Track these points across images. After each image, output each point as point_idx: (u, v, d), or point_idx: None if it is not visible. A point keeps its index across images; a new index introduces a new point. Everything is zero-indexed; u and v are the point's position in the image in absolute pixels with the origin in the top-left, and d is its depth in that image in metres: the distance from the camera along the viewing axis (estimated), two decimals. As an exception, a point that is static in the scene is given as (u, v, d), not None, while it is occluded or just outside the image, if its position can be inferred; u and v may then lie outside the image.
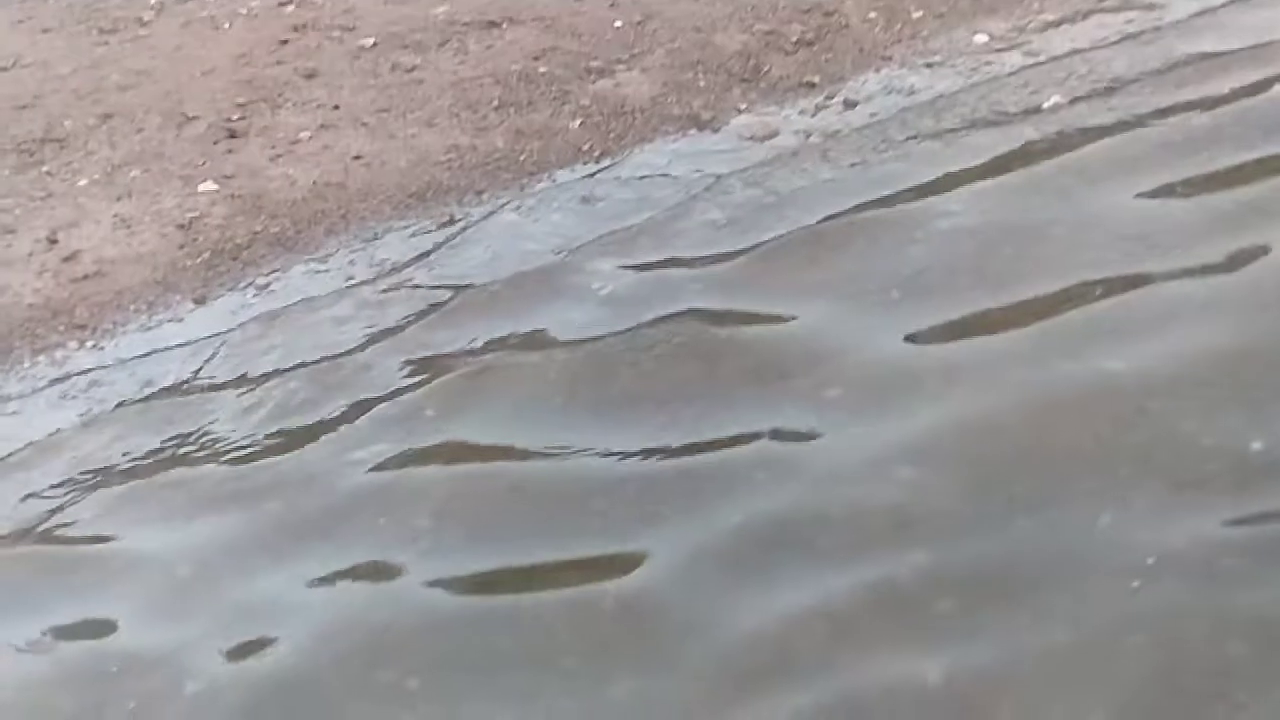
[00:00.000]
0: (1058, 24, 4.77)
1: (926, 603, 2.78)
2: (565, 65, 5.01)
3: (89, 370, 3.95)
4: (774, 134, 4.49)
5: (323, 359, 3.82)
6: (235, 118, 4.98)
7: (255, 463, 3.48)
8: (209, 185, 4.64)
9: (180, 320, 4.10)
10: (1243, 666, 2.59)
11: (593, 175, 4.44)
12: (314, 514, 3.27)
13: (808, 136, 4.45)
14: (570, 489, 3.19)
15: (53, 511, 3.47)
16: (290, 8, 5.64)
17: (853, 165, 4.24)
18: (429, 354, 3.74)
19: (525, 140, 4.64)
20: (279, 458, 3.47)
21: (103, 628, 3.12)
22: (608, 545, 3.03)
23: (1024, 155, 4.10)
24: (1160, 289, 3.46)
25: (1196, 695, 2.56)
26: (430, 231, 4.30)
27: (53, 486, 3.55)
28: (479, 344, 3.73)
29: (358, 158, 4.68)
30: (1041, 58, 4.61)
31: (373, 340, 3.85)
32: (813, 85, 4.71)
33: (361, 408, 3.58)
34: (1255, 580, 2.71)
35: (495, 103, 4.86)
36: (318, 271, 4.21)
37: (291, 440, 3.53)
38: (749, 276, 3.81)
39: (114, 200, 4.64)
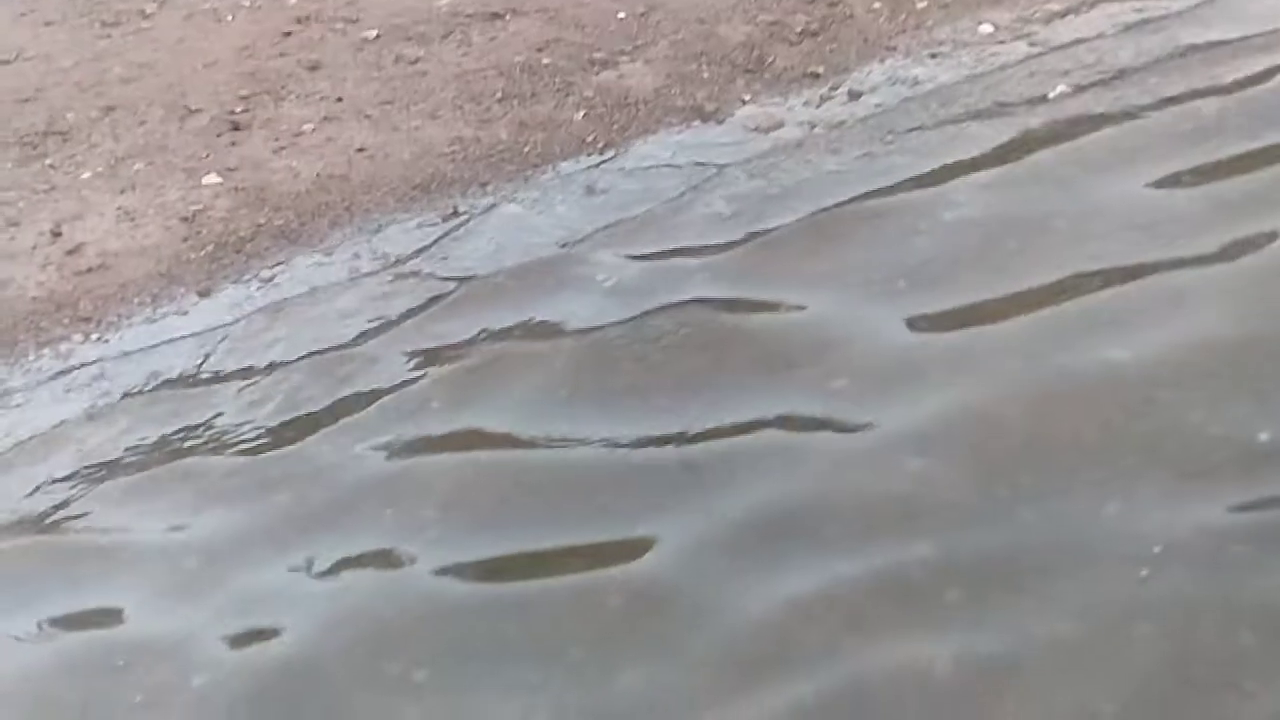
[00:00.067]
0: (1063, 14, 4.76)
1: (933, 592, 2.78)
2: (569, 57, 5.00)
3: (93, 363, 3.95)
4: (778, 125, 4.48)
5: (327, 351, 3.82)
6: (238, 110, 4.97)
7: (261, 455, 3.48)
8: (212, 178, 4.63)
9: (184, 313, 4.10)
10: (1252, 655, 2.58)
11: (597, 167, 4.43)
12: (320, 505, 3.27)
13: (812, 127, 4.44)
14: (576, 480, 3.19)
15: (58, 504, 3.47)
16: (293, 0, 5.63)
17: (857, 156, 4.23)
18: (434, 345, 3.74)
19: (529, 132, 4.63)
20: (285, 449, 3.47)
21: (109, 620, 3.13)
22: (614, 535, 3.03)
23: (1029, 145, 4.09)
24: (1166, 278, 3.44)
25: (1205, 685, 2.56)
26: (434, 223, 4.29)
27: (58, 479, 3.55)
28: (484, 335, 3.73)
29: (361, 150, 4.67)
30: (1046, 47, 4.59)
31: (377, 332, 3.85)
32: (817, 76, 4.70)
33: (367, 399, 3.58)
34: (1264, 569, 2.71)
35: (499, 95, 4.85)
36: (322, 264, 4.20)
37: (297, 432, 3.52)
38: (754, 267, 3.81)
39: (117, 193, 4.63)
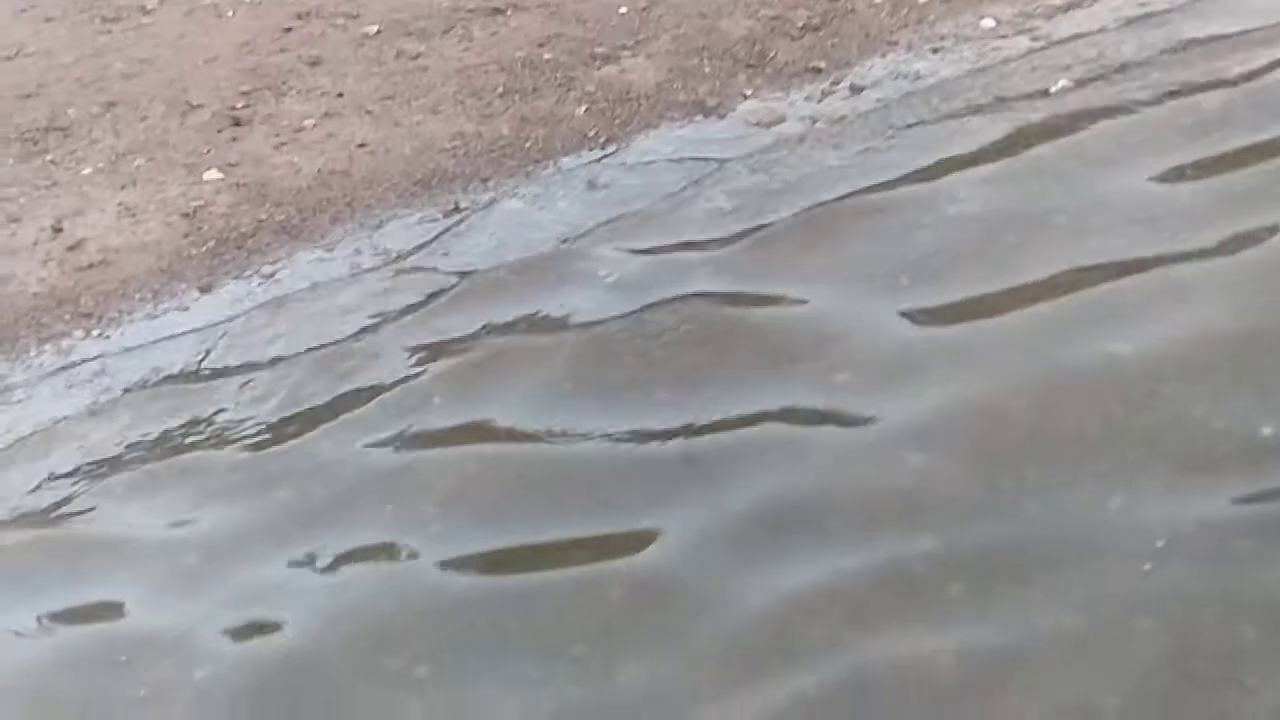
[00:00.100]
0: (1064, 8, 4.75)
1: (936, 586, 2.78)
2: (570, 52, 4.99)
3: (94, 359, 3.95)
4: (780, 120, 4.47)
5: (329, 346, 3.81)
6: (239, 106, 4.97)
7: (262, 450, 3.48)
8: (214, 173, 4.63)
9: (186, 309, 4.10)
10: (1254, 650, 2.58)
11: (598, 162, 4.42)
12: (322, 501, 3.27)
13: (814, 122, 4.43)
14: (578, 474, 3.19)
15: (59, 499, 3.47)
16: (294, -5, 5.63)
17: (859, 151, 4.23)
18: (436, 341, 3.74)
19: (530, 127, 4.62)
20: (286, 445, 3.47)
21: (111, 616, 3.13)
22: (616, 530, 3.03)
23: (1031, 140, 4.08)
24: (1168, 273, 3.44)
25: (1208, 679, 2.56)
26: (436, 219, 4.29)
27: (59, 475, 3.55)
28: (486, 330, 3.73)
29: (362, 145, 4.67)
30: (1048, 42, 4.58)
31: (379, 327, 3.85)
32: (819, 71, 4.69)
33: (368, 395, 3.58)
34: (1266, 563, 2.71)
35: (500, 90, 4.85)
36: (323, 259, 4.20)
37: (298, 428, 3.52)
38: (755, 262, 3.80)
39: (118, 189, 4.63)
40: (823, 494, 3.01)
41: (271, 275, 4.17)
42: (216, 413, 3.66)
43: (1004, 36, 4.67)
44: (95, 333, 4.05)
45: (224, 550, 3.20)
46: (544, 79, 4.86)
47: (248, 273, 4.19)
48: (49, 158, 4.85)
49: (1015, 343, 3.31)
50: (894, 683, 2.64)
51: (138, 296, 4.16)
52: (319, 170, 4.57)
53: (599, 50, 4.98)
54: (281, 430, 3.53)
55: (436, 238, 4.19)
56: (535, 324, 3.71)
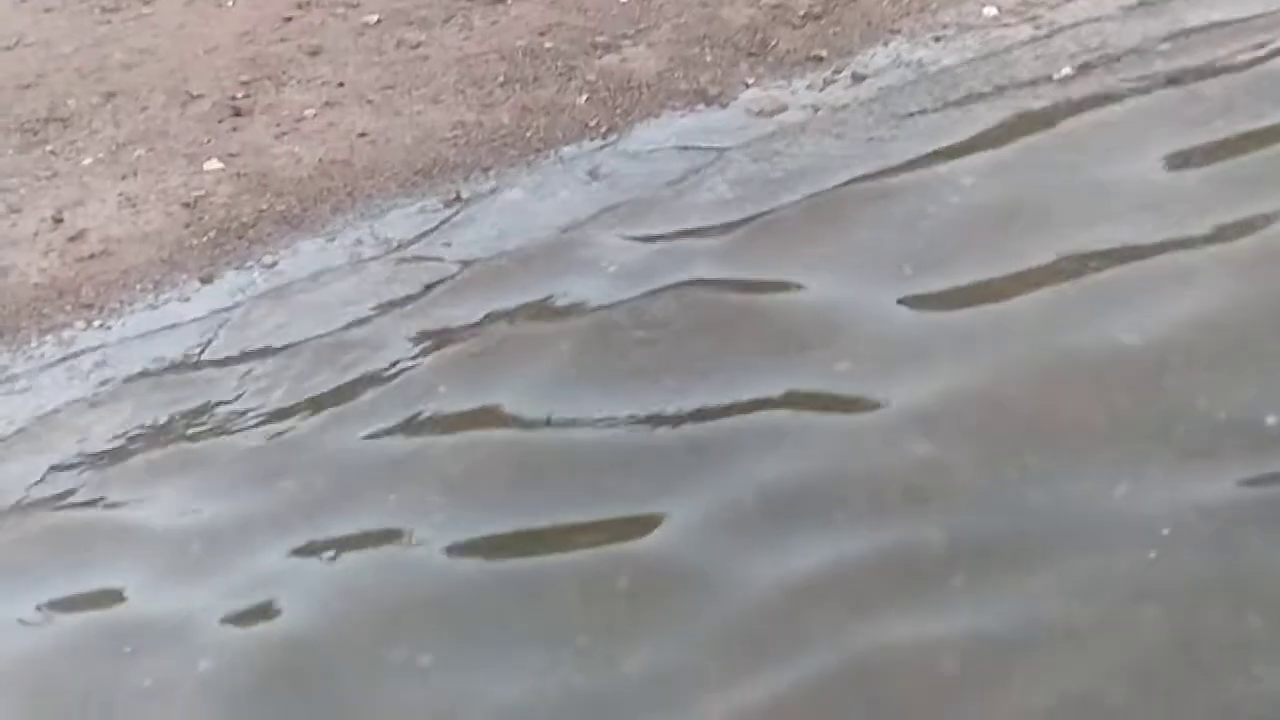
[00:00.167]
0: (1067, -5, 4.74)
1: (941, 575, 2.77)
2: (571, 41, 4.98)
3: (96, 349, 3.95)
4: (782, 108, 4.46)
5: (330, 336, 3.81)
6: (240, 96, 4.96)
7: (264, 441, 3.47)
8: (214, 164, 4.62)
9: (187, 299, 4.09)
10: (1260, 639, 2.57)
11: (599, 151, 4.41)
12: (325, 491, 3.27)
13: (816, 111, 4.42)
14: (582, 464, 3.18)
15: (61, 490, 3.47)
16: (293, -15, 5.62)
17: (861, 139, 4.21)
18: (438, 331, 3.73)
19: (531, 116, 4.61)
20: (288, 435, 3.46)
21: (115, 607, 3.12)
22: (621, 520, 3.02)
23: (1035, 127, 4.06)
24: (1174, 259, 3.43)
25: (1213, 668, 2.55)
26: (437, 209, 4.28)
27: (60, 465, 3.55)
28: (488, 320, 3.72)
29: (363, 135, 4.66)
30: (1051, 29, 4.56)
31: (381, 317, 3.84)
32: (821, 59, 4.68)
33: (371, 384, 3.58)
34: (1272, 552, 2.70)
35: (501, 79, 4.83)
36: (324, 249, 4.19)
37: (301, 417, 3.52)
38: (758, 249, 3.79)
39: (119, 179, 4.62)
40: (827, 481, 3.00)
41: (273, 265, 4.16)
42: (218, 403, 3.65)
43: (1006, 24, 4.65)
44: (96, 323, 4.05)
45: (227, 540, 3.20)
46: (545, 68, 4.85)
47: (249, 263, 4.19)
48: (49, 148, 4.84)
49: (1019, 330, 3.30)
50: (897, 672, 2.64)
51: (139, 287, 4.15)
52: (320, 160, 4.56)
53: (600, 39, 4.96)
54: (284, 420, 3.52)
55: (438, 227, 4.18)
56: (538, 312, 3.70)
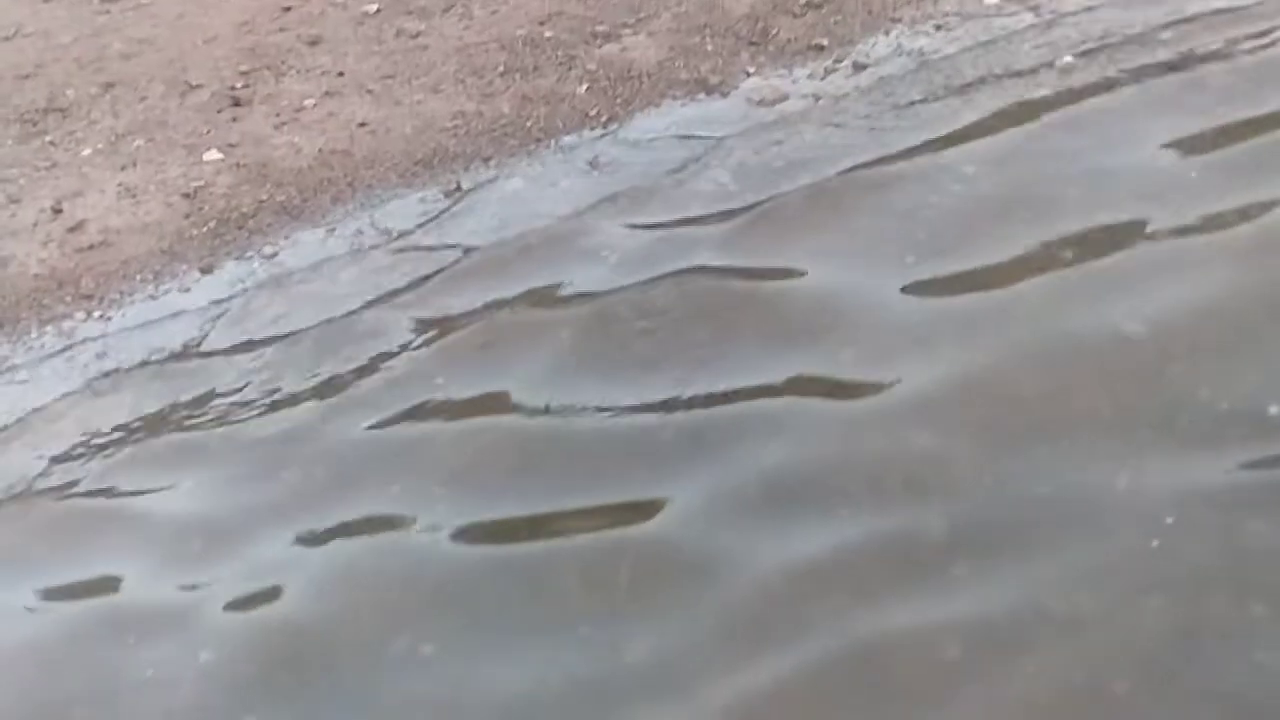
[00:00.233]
0: (1068, -17, 4.72)
1: (943, 565, 2.76)
2: (571, 30, 4.97)
3: (96, 339, 3.94)
4: (782, 97, 4.45)
5: (331, 326, 3.80)
6: (239, 86, 4.95)
7: (265, 430, 3.47)
8: (214, 154, 4.61)
9: (187, 290, 4.09)
10: (1263, 627, 2.56)
11: (600, 140, 4.40)
12: (326, 481, 3.26)
13: (816, 100, 4.41)
14: (583, 452, 3.17)
15: (62, 480, 3.47)
16: (293, -26, 5.61)
17: (862, 128, 4.20)
18: (439, 320, 3.72)
19: (532, 106, 4.60)
20: (289, 425, 3.46)
21: (116, 598, 3.12)
22: (622, 508, 3.02)
23: (1036, 115, 4.05)
24: (1175, 248, 3.42)
25: (1217, 657, 2.54)
26: (437, 199, 4.27)
27: (60, 456, 3.55)
28: (489, 309, 3.71)
29: (363, 125, 4.65)
30: (1052, 17, 4.55)
31: (381, 307, 3.84)
32: (821, 48, 4.67)
33: (372, 374, 3.57)
34: (1276, 541, 2.69)
35: (501, 68, 4.82)
36: (325, 239, 4.18)
37: (302, 407, 3.51)
38: (759, 237, 3.79)
39: (118, 169, 4.62)
40: (828, 470, 2.99)
41: (273, 255, 4.15)
42: (219, 393, 3.65)
43: (1008, 13, 4.64)
44: (96, 314, 4.04)
45: (229, 530, 3.19)
46: (545, 57, 4.84)
47: (249, 253, 4.18)
48: (48, 139, 4.84)
49: (1021, 318, 3.29)
50: (900, 661, 2.63)
51: (139, 277, 4.15)
52: (320, 150, 4.55)
53: (600, 28, 4.95)
54: (284, 410, 3.52)
55: (438, 217, 4.17)
56: (539, 301, 3.70)
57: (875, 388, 3.18)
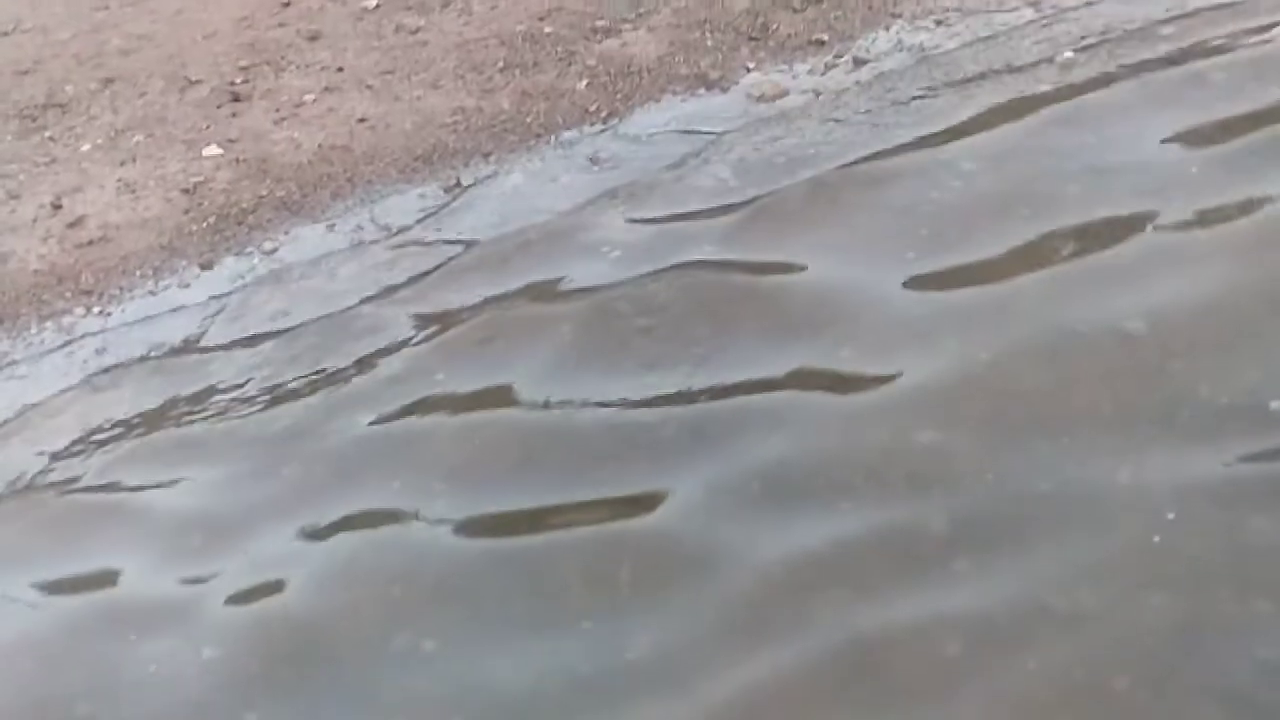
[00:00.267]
0: (1069, -23, 4.71)
1: (944, 560, 2.76)
2: (571, 25, 4.96)
3: (96, 334, 3.94)
4: (783, 93, 4.45)
5: (331, 321, 3.80)
6: (238, 81, 4.94)
7: (265, 426, 3.46)
8: (213, 149, 4.61)
9: (187, 285, 4.08)
10: (1265, 622, 2.56)
11: (600, 135, 4.40)
12: (326, 477, 3.26)
13: (817, 95, 4.40)
14: (584, 447, 3.17)
15: (61, 476, 3.47)
16: (292, -30, 5.60)
17: (862, 123, 4.20)
18: (439, 315, 3.72)
19: (531, 101, 4.60)
20: (290, 420, 3.46)
21: (117, 594, 3.12)
22: (623, 502, 3.02)
23: (1037, 110, 4.05)
24: (1178, 244, 3.42)
25: (1218, 653, 2.53)
26: (437, 194, 4.27)
27: (61, 451, 3.55)
28: (488, 304, 3.71)
29: (362, 120, 4.64)
30: (1053, 12, 4.55)
31: (381, 302, 3.84)
32: (822, 43, 4.66)
33: (372, 369, 3.57)
34: (1277, 537, 2.68)
35: (500, 64, 4.82)
36: (324, 235, 4.18)
37: (302, 402, 3.51)
38: (758, 233, 3.78)
39: (117, 165, 4.61)
40: (829, 464, 2.99)
41: (273, 251, 4.15)
42: (218, 388, 3.65)
43: (1008, 8, 4.64)
44: (96, 309, 4.04)
45: (229, 527, 3.19)
46: (545, 53, 4.84)
47: (248, 249, 4.18)
48: (47, 134, 4.83)
49: (1022, 314, 3.28)
50: (900, 656, 2.63)
51: (138, 273, 4.14)
52: (319, 145, 4.55)
53: (600, 24, 4.95)
54: (285, 405, 3.52)
55: (438, 212, 4.17)
56: (539, 296, 3.70)
57: (876, 382, 3.18)
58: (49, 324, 4.01)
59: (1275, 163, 3.64)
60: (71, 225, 4.36)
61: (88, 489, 3.41)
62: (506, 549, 2.99)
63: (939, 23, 4.63)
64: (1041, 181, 3.73)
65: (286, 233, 4.21)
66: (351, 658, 2.83)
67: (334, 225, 4.21)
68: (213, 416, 3.55)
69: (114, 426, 3.59)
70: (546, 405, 3.32)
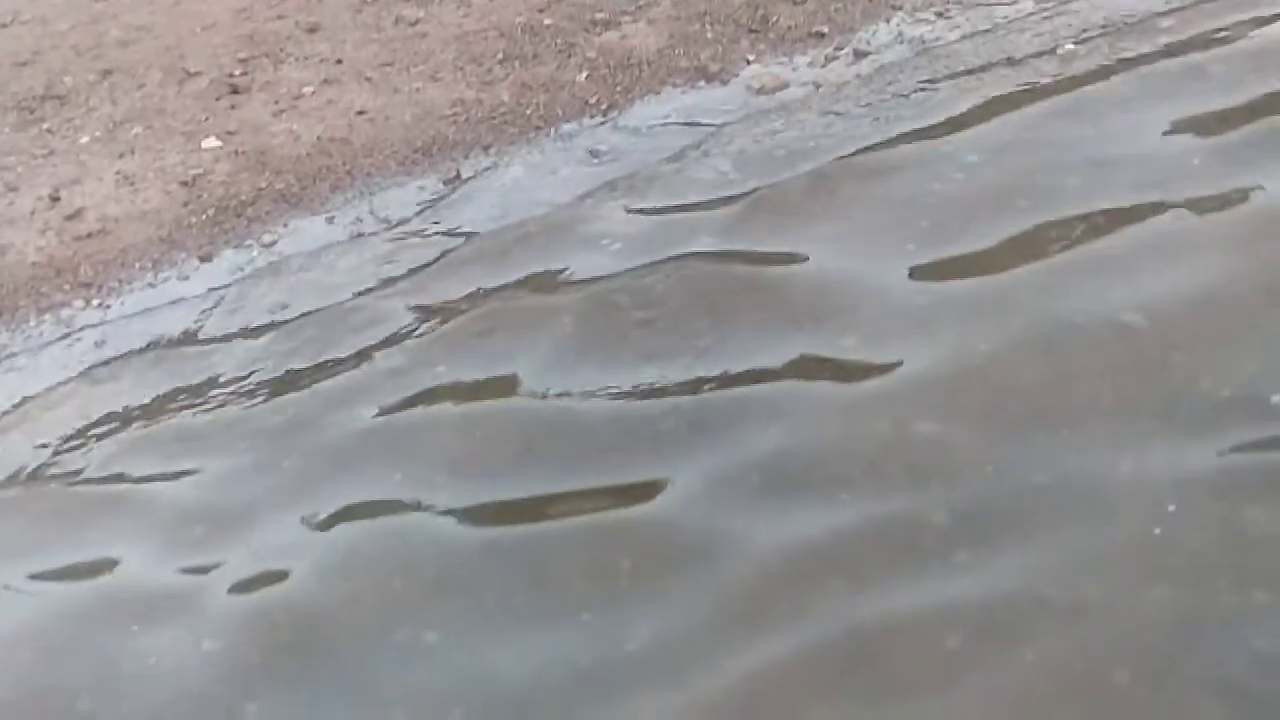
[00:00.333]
0: (1069, -30, 4.71)
1: (943, 552, 2.76)
2: (570, 17, 4.96)
3: (95, 327, 3.94)
4: (783, 85, 4.44)
5: (330, 314, 3.80)
6: (237, 73, 4.94)
7: (265, 418, 3.46)
8: (212, 141, 4.60)
9: (185, 277, 4.08)
10: (1264, 614, 2.56)
11: (600, 127, 4.39)
12: (327, 469, 3.26)
13: (817, 87, 4.40)
14: (585, 438, 3.17)
15: (60, 467, 3.46)
16: (291, -38, 5.59)
17: (863, 115, 4.20)
18: (439, 307, 3.72)
19: (531, 93, 4.59)
20: (290, 413, 3.45)
21: (118, 585, 3.11)
22: (624, 493, 3.02)
23: (1038, 102, 4.05)
24: (1178, 236, 3.42)
25: (1219, 645, 2.54)
26: (436, 186, 4.26)
27: (60, 443, 3.54)
28: (488, 295, 3.71)
29: (361, 113, 4.64)
30: (1053, 4, 4.55)
31: (381, 294, 3.83)
32: (822, 35, 4.66)
33: (372, 361, 3.57)
34: (1277, 529, 2.68)
35: (500, 56, 4.81)
36: (323, 227, 4.18)
37: (302, 394, 3.51)
38: (759, 225, 3.78)
39: (116, 157, 4.60)
40: (829, 455, 2.99)
41: (272, 243, 4.14)
42: (218, 381, 3.64)
43: (1009, 1, 4.64)
44: (95, 302, 4.03)
45: (230, 519, 3.19)
46: (544, 45, 4.83)
47: (248, 241, 4.17)
48: (46, 126, 4.83)
49: (1023, 305, 3.29)
50: (899, 648, 2.63)
51: (137, 265, 4.14)
52: (318, 138, 4.54)
53: (600, 16, 4.94)
54: (285, 397, 3.51)
55: (437, 204, 4.17)
56: (539, 287, 3.70)
57: (876, 373, 3.18)
58: (48, 316, 4.01)
59: (1274, 155, 3.64)
60: (70, 217, 4.35)
61: (88, 481, 3.41)
62: (507, 540, 2.99)
63: (939, 15, 4.63)
64: (1041, 174, 3.74)
65: (286, 225, 4.20)
66: (353, 649, 2.82)
67: (333, 218, 4.20)
68: (213, 408, 3.55)
69: (114, 419, 3.59)
70: (547, 397, 3.32)
